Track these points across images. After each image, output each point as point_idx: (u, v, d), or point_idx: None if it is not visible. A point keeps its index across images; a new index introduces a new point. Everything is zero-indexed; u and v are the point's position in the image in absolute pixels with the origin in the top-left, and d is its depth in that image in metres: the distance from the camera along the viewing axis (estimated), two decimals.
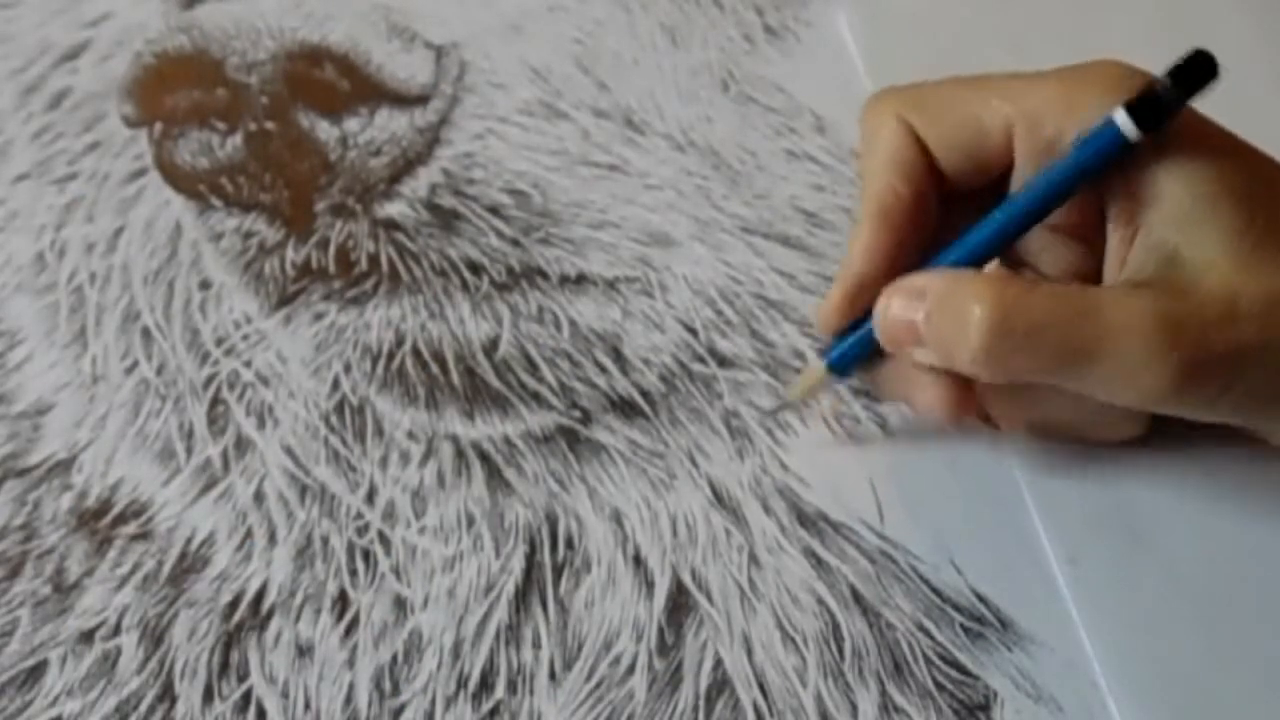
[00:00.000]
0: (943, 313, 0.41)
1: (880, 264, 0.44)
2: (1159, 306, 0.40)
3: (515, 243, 0.51)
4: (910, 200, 0.43)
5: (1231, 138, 0.42)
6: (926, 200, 0.44)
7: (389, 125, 0.52)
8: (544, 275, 0.51)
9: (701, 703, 0.44)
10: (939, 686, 0.44)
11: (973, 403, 0.44)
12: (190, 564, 0.46)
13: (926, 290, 0.42)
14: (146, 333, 0.50)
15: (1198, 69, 0.40)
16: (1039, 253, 0.45)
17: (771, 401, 0.48)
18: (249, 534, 0.47)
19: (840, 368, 0.46)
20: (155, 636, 0.45)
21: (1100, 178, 0.41)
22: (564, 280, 0.51)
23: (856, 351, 0.45)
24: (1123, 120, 0.40)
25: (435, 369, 0.49)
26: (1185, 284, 0.40)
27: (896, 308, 0.43)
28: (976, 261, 0.43)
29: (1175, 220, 0.41)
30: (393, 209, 0.52)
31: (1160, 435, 0.46)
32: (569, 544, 0.46)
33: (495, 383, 0.49)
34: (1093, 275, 0.44)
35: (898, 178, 0.44)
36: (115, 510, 0.47)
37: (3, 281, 0.52)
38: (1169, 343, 0.39)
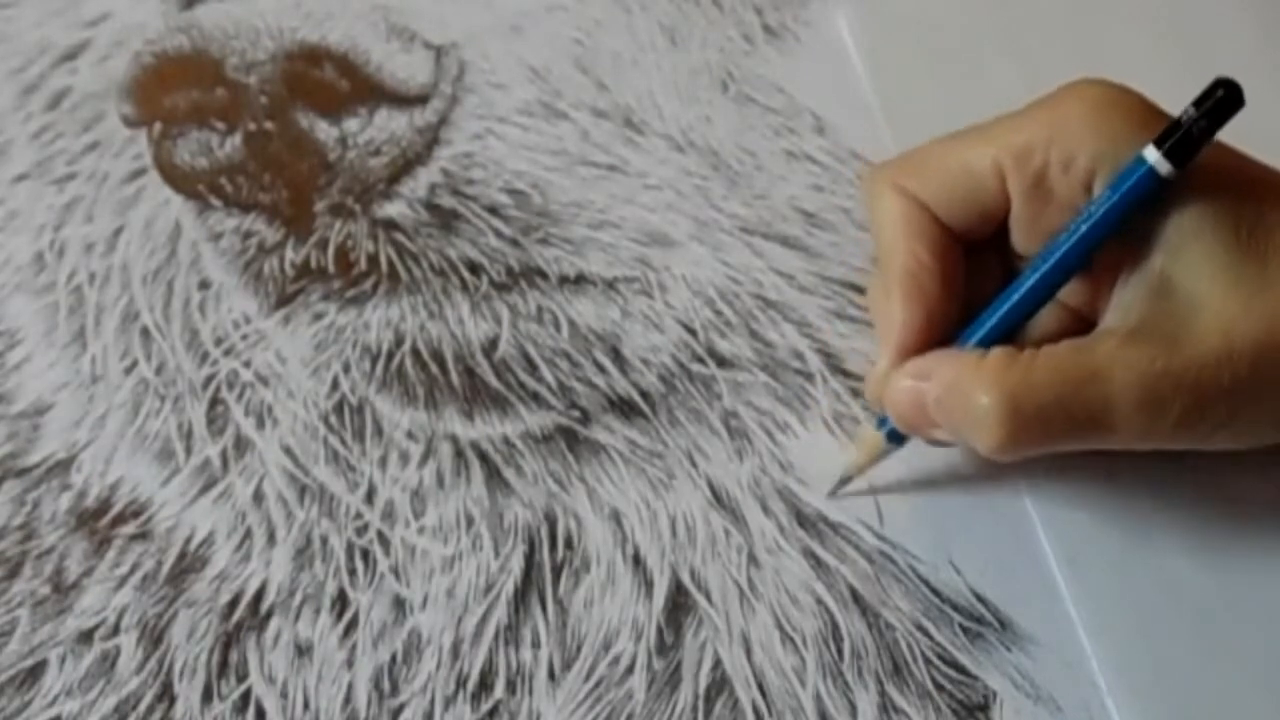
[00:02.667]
0: (951, 403, 0.42)
1: (921, 332, 0.44)
2: (1157, 363, 0.40)
3: (514, 243, 0.51)
4: (934, 263, 0.44)
5: (1218, 150, 0.42)
6: (950, 259, 0.44)
7: (388, 125, 0.52)
8: (543, 275, 0.51)
9: (700, 703, 0.44)
10: (938, 686, 0.44)
11: None
12: (189, 564, 0.46)
13: (932, 374, 0.43)
14: (146, 332, 0.50)
15: (1224, 99, 0.40)
16: None
17: (829, 482, 0.47)
18: (248, 534, 0.47)
19: (897, 436, 0.45)
20: (154, 636, 0.45)
21: (1141, 213, 0.42)
22: (563, 280, 0.51)
23: None
24: (1156, 159, 0.40)
25: (434, 369, 0.49)
26: (1177, 327, 0.41)
27: (904, 393, 0.43)
28: (1022, 319, 0.44)
29: (1163, 244, 0.41)
30: (392, 209, 0.52)
31: None
32: (568, 544, 0.46)
33: (494, 383, 0.49)
34: (1093, 288, 0.44)
35: (917, 244, 0.44)
36: (114, 510, 0.47)
37: (2, 281, 0.52)
38: (1168, 399, 0.40)
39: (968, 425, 0.42)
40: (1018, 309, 0.43)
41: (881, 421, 0.46)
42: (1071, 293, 0.44)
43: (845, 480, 0.47)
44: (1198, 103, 0.40)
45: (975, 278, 0.45)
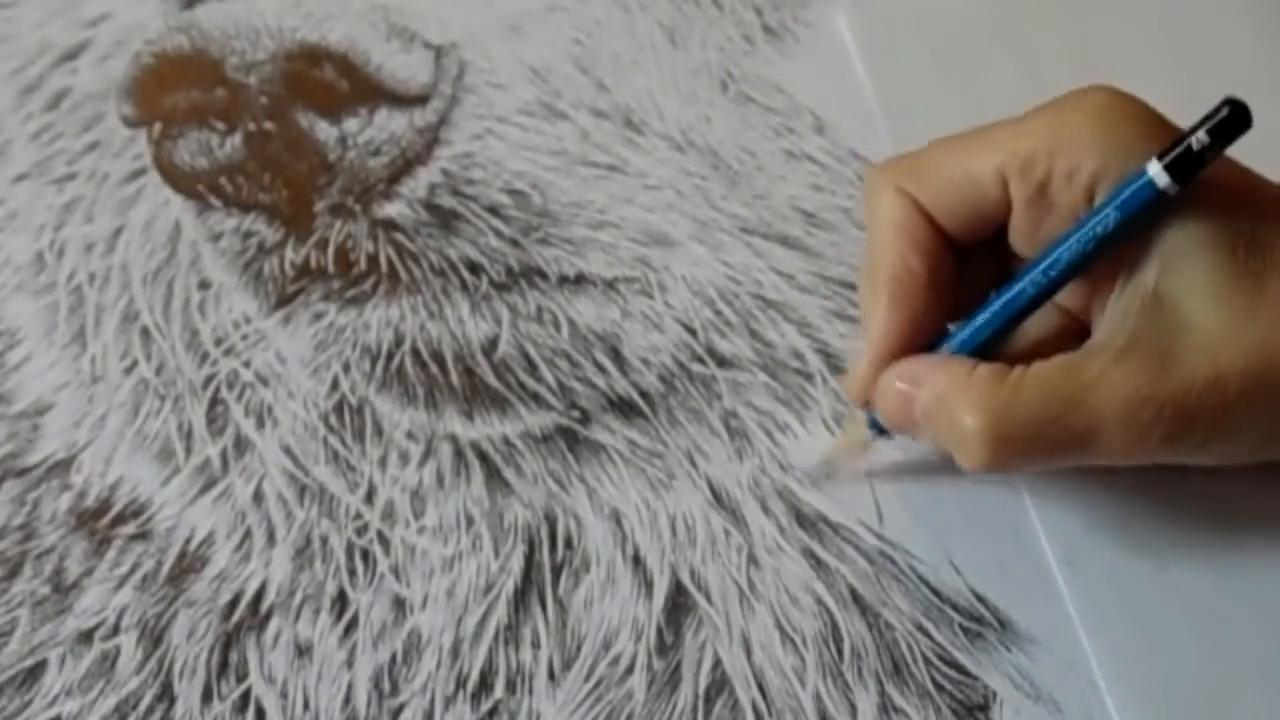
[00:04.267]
0: (938, 417, 0.42)
1: (903, 336, 0.44)
2: (1143, 389, 0.40)
3: (514, 243, 0.51)
4: (923, 270, 0.44)
5: (1220, 164, 0.42)
6: (940, 265, 0.44)
7: (388, 125, 0.52)
8: (543, 275, 0.51)
9: (700, 703, 0.44)
10: (938, 687, 0.44)
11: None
12: (189, 564, 0.46)
13: (923, 382, 0.43)
14: (146, 332, 0.50)
15: (1231, 120, 0.40)
16: None
17: (813, 463, 0.47)
18: (248, 534, 0.47)
19: (882, 428, 0.45)
20: (154, 636, 0.45)
21: (1139, 225, 0.41)
22: (563, 280, 0.51)
23: None
24: (1157, 173, 0.40)
25: (434, 369, 0.49)
26: (1167, 348, 0.41)
27: (894, 396, 0.44)
28: (1012, 325, 0.43)
29: (1159, 259, 0.41)
30: (392, 209, 0.52)
31: None
32: (568, 544, 0.46)
33: (494, 383, 0.49)
34: (1089, 292, 0.44)
35: (908, 250, 0.44)
36: (114, 510, 0.47)
37: (2, 281, 0.52)
38: (1153, 423, 0.40)
39: (952, 442, 0.42)
40: (1007, 316, 0.43)
41: (868, 414, 0.46)
42: (1068, 297, 0.44)
43: (828, 465, 0.47)
44: (1204, 122, 0.40)
45: (969, 276, 0.45)
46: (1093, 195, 0.42)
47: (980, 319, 0.43)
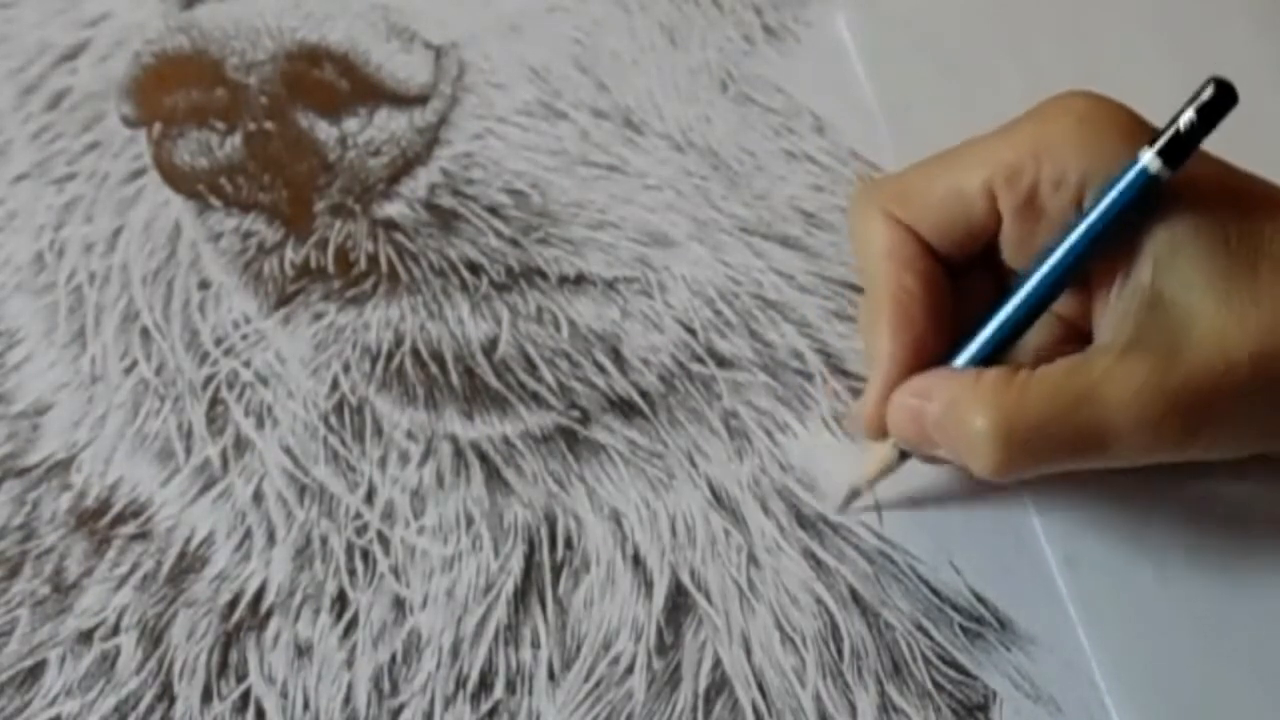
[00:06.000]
0: (949, 424, 0.42)
1: (908, 360, 0.44)
2: (1153, 379, 0.40)
3: (514, 243, 0.51)
4: (921, 292, 0.44)
5: (1206, 162, 0.42)
6: (936, 285, 0.44)
7: (388, 125, 0.52)
8: (543, 275, 0.51)
9: (700, 703, 0.44)
10: (938, 686, 0.44)
11: None
12: (189, 564, 0.46)
13: (932, 392, 0.43)
14: (145, 333, 0.50)
15: (1216, 97, 0.40)
16: None
17: (834, 489, 0.47)
18: (248, 534, 0.47)
19: (904, 451, 0.45)
20: (154, 636, 0.45)
21: (1131, 225, 0.41)
22: (563, 280, 0.51)
23: None
24: (1150, 159, 0.40)
25: (434, 369, 0.49)
26: (1171, 342, 0.40)
27: (905, 411, 0.43)
28: (1016, 333, 0.43)
29: (1152, 257, 0.41)
30: (392, 209, 0.52)
31: None
32: (568, 544, 0.46)
33: (494, 383, 0.49)
34: (1086, 301, 0.44)
35: (904, 274, 0.44)
36: (114, 510, 0.47)
37: (2, 281, 0.52)
38: (1167, 413, 0.40)
39: (964, 448, 0.42)
40: (1011, 324, 0.43)
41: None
42: (1066, 306, 0.44)
43: (854, 494, 0.47)
44: (1190, 103, 0.40)
45: (967, 296, 0.45)
46: (1080, 200, 0.42)
47: (984, 332, 0.43)
